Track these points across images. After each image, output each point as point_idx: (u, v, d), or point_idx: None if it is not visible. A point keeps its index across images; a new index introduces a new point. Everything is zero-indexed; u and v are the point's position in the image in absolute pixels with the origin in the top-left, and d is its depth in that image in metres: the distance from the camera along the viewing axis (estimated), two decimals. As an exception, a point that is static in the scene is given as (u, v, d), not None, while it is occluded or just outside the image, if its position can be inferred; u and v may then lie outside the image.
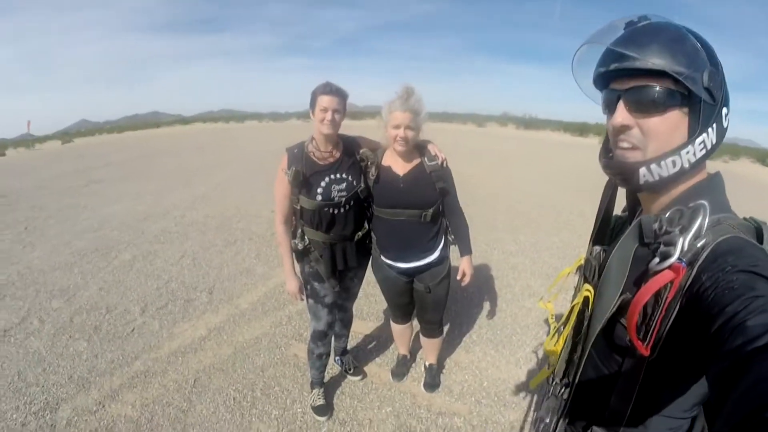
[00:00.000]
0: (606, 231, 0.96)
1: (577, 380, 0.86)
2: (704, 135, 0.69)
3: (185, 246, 5.08)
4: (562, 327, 0.98)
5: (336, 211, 2.04)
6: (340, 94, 1.93)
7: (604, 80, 0.76)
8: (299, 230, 2.10)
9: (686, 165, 0.70)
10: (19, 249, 5.09)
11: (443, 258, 2.20)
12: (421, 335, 2.57)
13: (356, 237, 2.16)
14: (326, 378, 2.55)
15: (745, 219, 0.70)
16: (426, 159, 2.05)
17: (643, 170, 0.72)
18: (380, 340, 3.13)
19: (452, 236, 2.23)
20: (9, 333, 3.26)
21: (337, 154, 2.05)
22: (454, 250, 2.23)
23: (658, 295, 0.65)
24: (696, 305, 0.59)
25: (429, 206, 2.04)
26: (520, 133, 20.13)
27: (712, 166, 0.75)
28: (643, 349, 0.66)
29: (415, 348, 2.90)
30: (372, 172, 2.07)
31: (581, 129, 20.71)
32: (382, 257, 2.18)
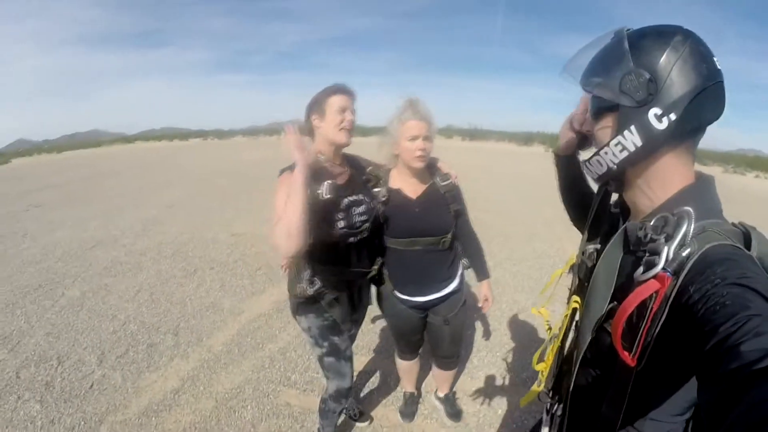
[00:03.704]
0: (600, 228, 0.96)
1: (569, 393, 0.85)
2: (620, 137, 0.71)
3: (140, 278, 4.56)
4: (549, 343, 1.00)
5: (355, 240, 1.70)
6: (354, 94, 1.65)
7: None
8: (307, 271, 1.70)
9: (611, 165, 0.75)
10: (-48, 286, 4.38)
11: (461, 286, 2.01)
12: (435, 369, 2.36)
13: (371, 272, 1.86)
14: (332, 429, 2.25)
15: (733, 224, 0.69)
16: (438, 178, 1.85)
17: (585, 168, 0.82)
18: (381, 378, 2.87)
19: (466, 260, 2.05)
20: (-57, 395, 2.70)
21: (348, 170, 1.74)
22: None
23: (643, 305, 0.64)
24: (684, 317, 0.58)
25: (447, 231, 1.84)
26: (466, 144, 20.50)
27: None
28: (629, 360, 0.66)
29: (420, 382, 2.69)
30: (382, 193, 1.79)
31: (526, 138, 21.45)
32: (396, 292, 1.94)
